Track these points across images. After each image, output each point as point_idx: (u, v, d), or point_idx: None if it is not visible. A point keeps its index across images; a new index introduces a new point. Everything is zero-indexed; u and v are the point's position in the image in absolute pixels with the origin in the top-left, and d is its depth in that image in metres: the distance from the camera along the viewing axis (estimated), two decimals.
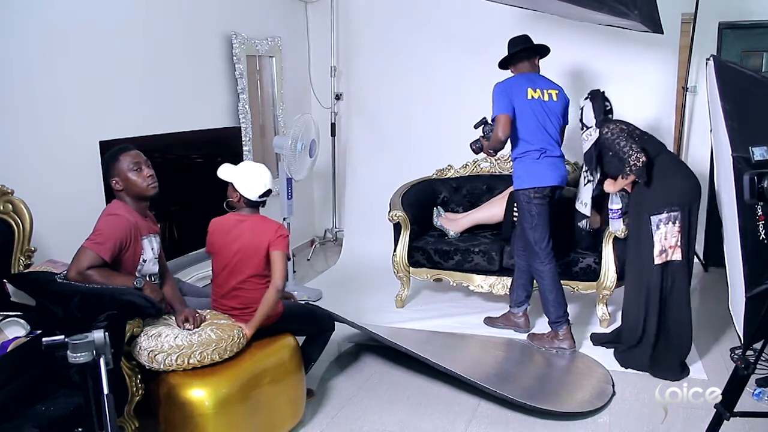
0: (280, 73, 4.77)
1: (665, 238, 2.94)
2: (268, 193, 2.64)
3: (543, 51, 3.37)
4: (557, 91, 3.31)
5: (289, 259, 2.60)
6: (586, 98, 3.28)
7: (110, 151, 2.56)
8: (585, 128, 3.24)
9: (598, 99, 3.23)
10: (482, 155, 3.60)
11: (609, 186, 3.16)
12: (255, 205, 2.64)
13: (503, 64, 3.43)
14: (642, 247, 3.04)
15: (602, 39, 4.19)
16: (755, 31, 4.40)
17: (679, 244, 2.95)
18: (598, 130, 3.14)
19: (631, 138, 3.03)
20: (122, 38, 3.30)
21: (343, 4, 5.08)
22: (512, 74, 3.38)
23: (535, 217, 3.23)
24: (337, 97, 5.23)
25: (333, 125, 5.23)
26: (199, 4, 3.93)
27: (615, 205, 3.24)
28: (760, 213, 2.71)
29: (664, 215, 2.95)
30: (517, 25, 4.30)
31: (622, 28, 3.46)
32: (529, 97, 3.21)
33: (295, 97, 5.01)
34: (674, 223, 2.94)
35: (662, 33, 3.30)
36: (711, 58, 2.99)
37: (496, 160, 4.31)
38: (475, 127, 3.38)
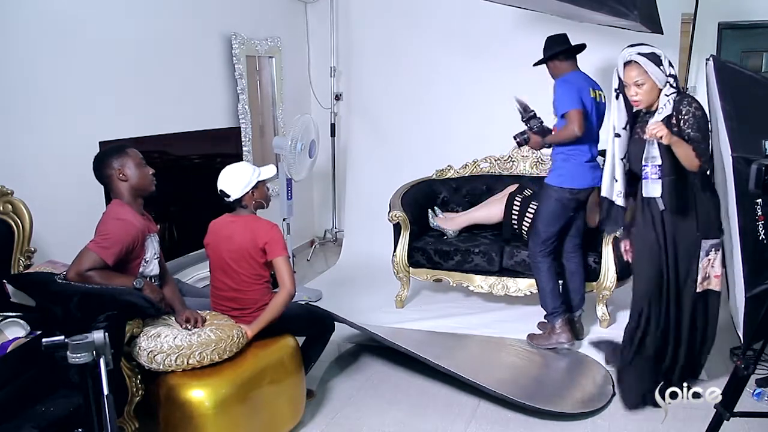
0: (280, 74, 4.77)
1: (712, 265, 2.66)
2: (254, 185, 2.62)
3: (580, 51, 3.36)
4: (603, 93, 3.31)
5: (289, 257, 2.60)
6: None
7: (107, 147, 2.56)
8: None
9: None
10: (525, 148, 3.68)
11: (659, 129, 2.40)
12: (244, 206, 2.63)
13: (550, 58, 3.30)
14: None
15: (602, 39, 4.18)
16: (755, 31, 4.40)
17: (723, 273, 2.72)
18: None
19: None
20: (122, 38, 3.30)
21: (343, 4, 5.09)
22: (558, 71, 3.28)
23: (559, 216, 3.24)
24: (337, 98, 5.22)
25: (333, 125, 5.23)
26: (198, 5, 3.93)
27: (656, 160, 2.48)
28: (759, 213, 2.71)
29: (716, 241, 2.65)
30: (517, 26, 4.32)
31: (622, 28, 3.46)
32: (591, 96, 3.21)
33: (295, 97, 5.01)
34: (719, 250, 2.67)
35: (662, 33, 3.30)
36: (710, 59, 2.99)
37: (495, 160, 4.31)
38: (524, 120, 3.26)
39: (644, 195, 2.56)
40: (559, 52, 3.26)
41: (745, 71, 3.09)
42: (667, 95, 2.53)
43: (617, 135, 2.67)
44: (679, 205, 2.59)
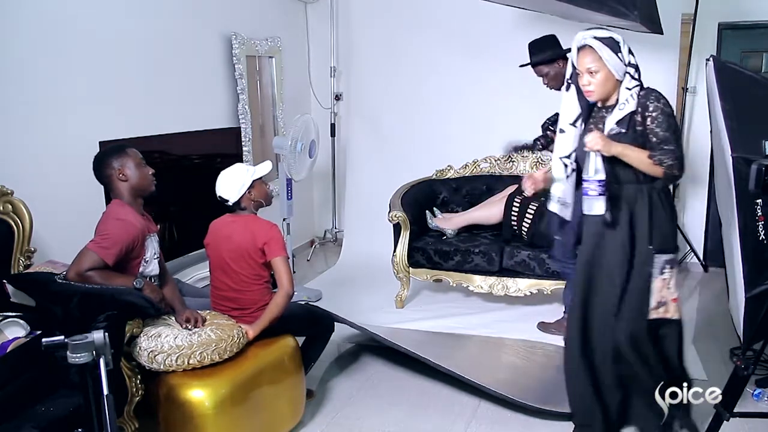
0: (280, 74, 4.77)
1: (668, 286, 2.26)
2: (251, 185, 2.62)
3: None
4: None
5: (287, 258, 2.60)
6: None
7: (107, 147, 2.56)
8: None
9: None
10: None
11: (594, 141, 2.16)
12: (243, 207, 2.64)
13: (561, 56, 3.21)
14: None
15: None
16: (755, 31, 4.41)
17: (679, 297, 2.32)
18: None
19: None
20: (122, 38, 3.30)
21: (343, 4, 5.09)
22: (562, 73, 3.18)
23: None
24: (337, 98, 5.23)
25: (333, 125, 5.23)
26: (198, 5, 3.93)
27: (598, 174, 2.16)
28: (759, 213, 2.71)
29: (671, 257, 2.26)
30: (517, 26, 4.31)
31: (622, 28, 3.46)
32: None
33: (295, 97, 5.01)
34: (678, 267, 2.33)
35: (662, 33, 3.30)
36: (710, 59, 2.99)
37: (495, 160, 4.31)
38: (552, 125, 3.17)
39: (584, 212, 2.24)
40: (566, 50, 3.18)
41: (745, 71, 3.09)
42: (629, 88, 2.20)
43: (561, 131, 2.37)
44: (634, 215, 2.25)
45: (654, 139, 2.17)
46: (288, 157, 3.97)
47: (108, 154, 2.45)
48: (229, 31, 4.16)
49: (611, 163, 2.19)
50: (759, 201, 2.67)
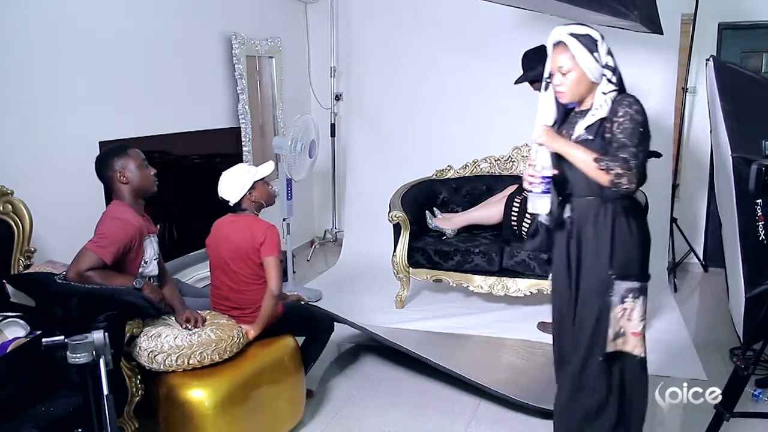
0: (280, 74, 4.77)
1: (629, 318, 2.00)
2: (252, 187, 2.63)
3: None
4: None
5: (281, 261, 2.59)
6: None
7: (109, 147, 2.56)
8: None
9: None
10: (525, 149, 3.40)
11: (538, 133, 2.04)
12: (243, 208, 2.64)
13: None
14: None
15: None
16: (755, 31, 4.41)
17: (644, 332, 2.04)
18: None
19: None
20: (122, 38, 3.30)
21: (343, 4, 5.09)
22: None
23: None
24: (337, 98, 5.23)
25: (333, 125, 5.23)
26: (198, 5, 3.93)
27: (545, 170, 2.04)
28: (759, 213, 2.71)
29: (636, 285, 2.00)
30: (517, 26, 4.31)
31: (622, 28, 3.46)
32: None
33: (295, 97, 5.01)
34: (644, 297, 2.02)
35: (662, 33, 3.30)
36: (710, 59, 3.00)
37: (495, 160, 4.32)
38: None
39: (529, 210, 2.12)
40: None
41: (745, 71, 3.09)
42: (605, 93, 1.97)
43: None
44: (590, 232, 2.03)
45: (614, 145, 1.93)
46: (288, 157, 3.97)
47: (109, 155, 2.45)
48: (229, 31, 4.16)
49: (572, 171, 2.02)
50: (759, 201, 2.67)
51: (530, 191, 2.05)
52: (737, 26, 4.40)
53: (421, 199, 4.17)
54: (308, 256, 5.22)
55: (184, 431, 2.28)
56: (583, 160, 1.93)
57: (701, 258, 4.64)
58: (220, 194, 2.63)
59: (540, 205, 2.04)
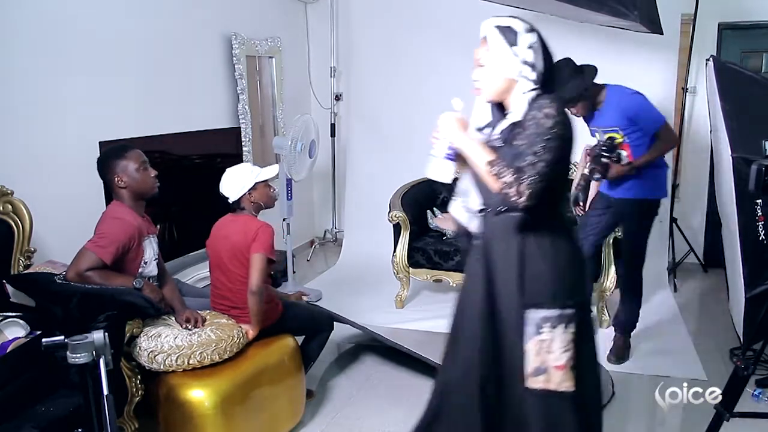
0: (280, 74, 4.77)
1: (548, 350, 1.70)
2: (253, 186, 2.63)
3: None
4: None
5: (273, 262, 2.56)
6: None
7: (110, 148, 2.56)
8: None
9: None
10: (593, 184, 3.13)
11: (447, 122, 1.76)
12: (242, 208, 2.64)
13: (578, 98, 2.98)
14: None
15: (601, 40, 4.19)
16: (755, 31, 4.41)
17: (570, 364, 1.71)
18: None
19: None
20: (122, 38, 3.30)
21: (343, 4, 5.09)
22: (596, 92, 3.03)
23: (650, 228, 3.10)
24: (337, 98, 5.23)
25: (333, 126, 5.24)
26: (198, 5, 3.93)
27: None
28: (759, 213, 2.71)
29: (556, 312, 1.69)
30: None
31: (622, 28, 3.46)
32: None
33: (295, 97, 5.01)
34: (566, 326, 1.70)
35: (662, 33, 3.30)
36: (711, 59, 3.00)
37: None
38: (607, 151, 2.93)
39: (427, 176, 1.79)
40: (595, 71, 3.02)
41: (745, 71, 3.09)
42: (524, 93, 1.70)
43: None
44: (498, 250, 1.75)
45: (515, 152, 1.66)
46: (288, 157, 3.97)
47: (110, 157, 2.45)
48: (229, 31, 4.16)
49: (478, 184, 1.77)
50: (759, 201, 2.68)
51: (434, 156, 1.77)
52: (737, 26, 4.40)
53: (421, 199, 4.17)
54: (308, 256, 5.22)
55: (184, 431, 2.28)
56: (478, 160, 1.67)
57: (701, 258, 4.64)
58: (220, 190, 2.64)
59: (442, 171, 1.75)
